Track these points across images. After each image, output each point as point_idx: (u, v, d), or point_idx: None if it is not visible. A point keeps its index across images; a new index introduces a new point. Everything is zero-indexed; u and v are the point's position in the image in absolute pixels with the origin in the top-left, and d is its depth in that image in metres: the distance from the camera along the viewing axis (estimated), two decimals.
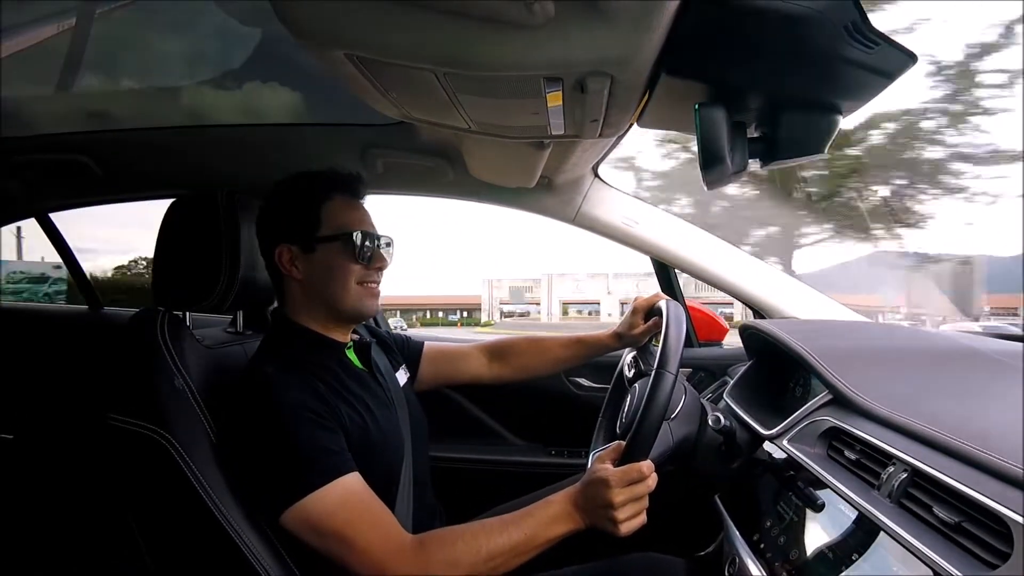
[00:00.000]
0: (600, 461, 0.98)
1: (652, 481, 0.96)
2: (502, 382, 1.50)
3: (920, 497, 0.72)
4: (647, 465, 0.96)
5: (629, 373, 1.40)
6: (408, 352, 1.40)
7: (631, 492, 0.94)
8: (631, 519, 0.94)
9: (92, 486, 1.78)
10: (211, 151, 1.57)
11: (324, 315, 1.13)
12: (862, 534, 0.76)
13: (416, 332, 2.33)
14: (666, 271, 1.81)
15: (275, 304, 1.20)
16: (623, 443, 1.00)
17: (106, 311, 2.25)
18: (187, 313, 1.18)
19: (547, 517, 0.96)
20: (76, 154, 1.52)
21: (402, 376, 1.29)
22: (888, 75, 0.75)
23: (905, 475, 0.75)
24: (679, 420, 1.13)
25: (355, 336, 1.21)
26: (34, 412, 2.02)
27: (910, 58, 0.72)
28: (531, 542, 0.94)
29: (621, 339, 1.42)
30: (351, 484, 0.95)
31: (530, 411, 1.88)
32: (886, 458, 0.80)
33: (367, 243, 1.11)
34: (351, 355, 1.17)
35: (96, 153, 1.53)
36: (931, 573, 0.63)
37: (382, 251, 1.14)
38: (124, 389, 1.07)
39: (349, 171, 1.16)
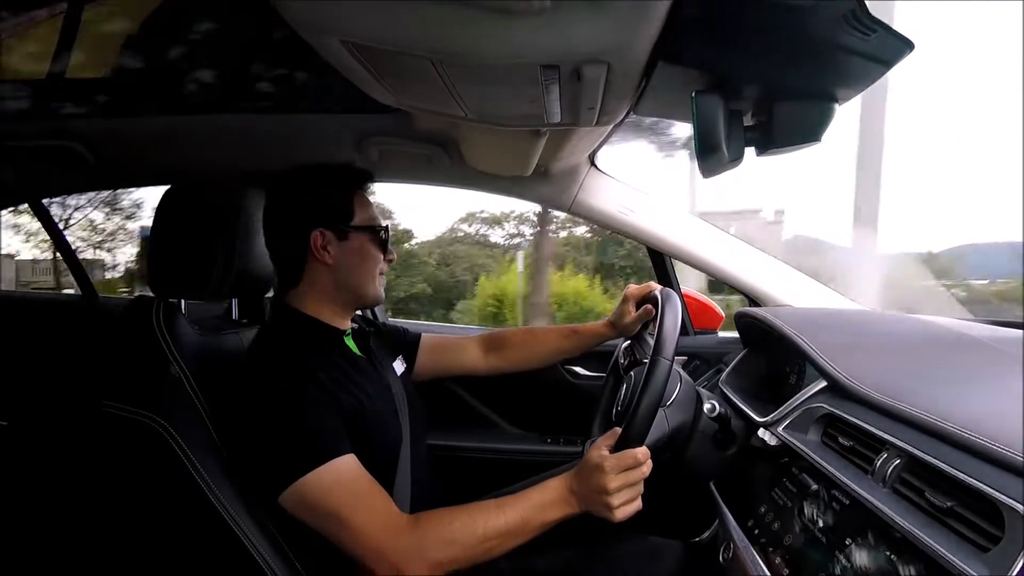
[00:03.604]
0: (596, 447, 0.99)
1: (647, 467, 0.96)
2: (498, 373, 1.52)
3: (913, 482, 0.72)
4: (643, 451, 0.96)
5: (624, 362, 1.40)
6: (405, 343, 1.41)
7: (626, 478, 0.94)
8: (626, 505, 0.94)
9: (87, 473, 1.78)
10: (204, 139, 1.55)
11: (342, 299, 1.16)
12: (856, 520, 0.77)
13: None
14: (662, 260, 1.81)
15: (271, 292, 1.20)
16: (619, 429, 1.00)
17: (101, 299, 2.24)
18: (182, 301, 1.18)
19: (543, 501, 0.97)
20: (67, 140, 1.50)
21: (399, 365, 1.29)
22: (885, 62, 0.75)
23: (899, 461, 0.76)
24: (675, 407, 1.13)
25: (353, 325, 1.22)
26: (29, 399, 2.01)
27: (906, 45, 0.72)
28: (527, 525, 0.95)
29: (615, 328, 1.43)
30: (347, 465, 0.95)
31: (526, 399, 1.88)
32: (880, 444, 0.81)
33: (387, 236, 1.18)
34: (349, 342, 1.18)
35: (88, 140, 1.51)
36: (924, 557, 0.64)
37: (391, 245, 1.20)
38: (120, 376, 1.07)
39: (364, 168, 1.23)
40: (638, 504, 0.96)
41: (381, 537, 0.92)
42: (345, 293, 1.15)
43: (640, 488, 0.96)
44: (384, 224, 1.18)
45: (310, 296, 1.14)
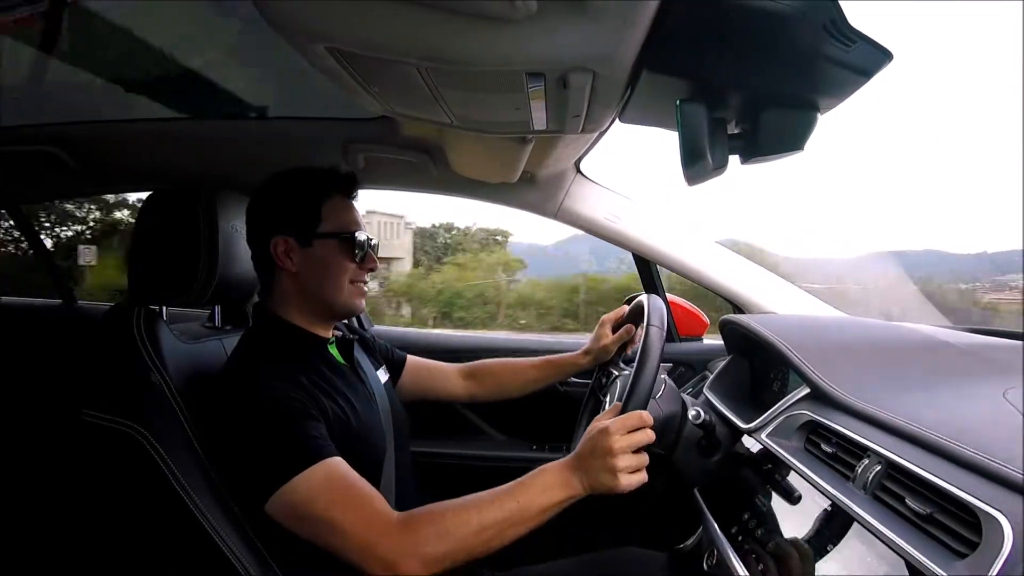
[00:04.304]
0: (596, 420, 0.98)
1: (652, 434, 0.95)
2: (476, 402, 1.54)
3: (894, 489, 0.73)
4: (645, 413, 0.96)
5: (605, 381, 1.42)
6: (392, 361, 1.41)
7: (630, 440, 0.93)
8: (632, 473, 0.93)
9: (66, 482, 1.75)
10: (190, 145, 1.54)
11: (312, 310, 1.13)
12: (837, 526, 0.78)
13: None
14: (648, 266, 1.83)
15: (255, 299, 1.19)
16: (619, 404, 1.00)
17: (80, 305, 2.22)
18: (164, 308, 1.17)
19: (541, 484, 0.94)
20: (49, 146, 1.49)
21: (383, 375, 1.28)
22: (865, 72, 0.76)
23: (879, 467, 0.76)
24: (664, 398, 1.14)
25: (337, 333, 1.21)
26: (6, 407, 1.98)
27: (886, 56, 0.73)
28: (525, 511, 0.92)
29: (589, 354, 1.46)
30: (334, 467, 0.93)
31: (512, 406, 1.87)
32: (861, 451, 0.81)
33: (364, 244, 1.13)
34: (333, 350, 1.17)
35: (70, 146, 1.50)
36: (903, 563, 0.64)
37: (372, 252, 1.15)
38: (99, 384, 1.05)
39: (346, 170, 1.17)
40: (643, 476, 0.94)
41: (372, 535, 0.89)
42: (313, 302, 1.12)
43: (645, 458, 0.95)
44: (355, 231, 1.12)
45: (286, 304, 1.12)
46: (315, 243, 1.10)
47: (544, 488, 0.94)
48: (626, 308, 1.42)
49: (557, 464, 0.97)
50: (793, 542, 0.84)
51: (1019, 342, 1.18)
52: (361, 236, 1.13)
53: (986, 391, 0.87)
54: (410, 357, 1.47)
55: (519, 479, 0.96)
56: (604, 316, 1.47)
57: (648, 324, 1.06)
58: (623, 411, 0.97)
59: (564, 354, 1.50)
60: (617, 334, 1.43)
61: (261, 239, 1.11)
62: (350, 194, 1.17)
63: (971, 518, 0.61)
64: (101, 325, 1.09)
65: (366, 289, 1.17)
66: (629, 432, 0.94)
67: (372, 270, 1.16)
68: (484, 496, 0.94)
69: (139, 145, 1.53)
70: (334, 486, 0.92)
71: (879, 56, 0.73)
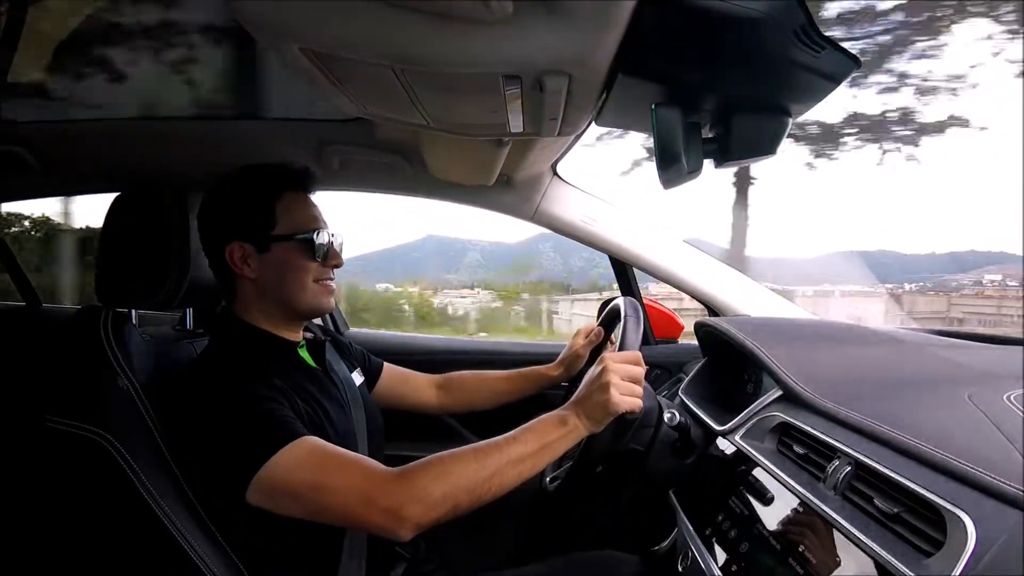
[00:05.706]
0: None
1: (643, 370, 1.00)
2: (446, 413, 1.54)
3: (863, 489, 0.74)
4: (639, 353, 1.01)
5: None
6: (368, 368, 1.39)
7: (626, 370, 0.97)
8: (627, 396, 0.96)
9: (30, 491, 1.71)
10: (159, 144, 1.51)
11: (278, 314, 1.10)
12: (808, 526, 0.79)
13: None
14: (624, 269, 1.83)
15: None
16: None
17: (45, 308, 2.16)
18: (133, 311, 1.14)
19: (538, 425, 0.97)
20: (10, 145, 1.44)
21: (358, 377, 1.26)
22: (834, 78, 0.78)
23: (849, 468, 0.78)
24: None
25: (308, 335, 1.19)
26: None
27: (854, 62, 0.74)
28: (524, 451, 0.93)
29: (562, 364, 1.46)
30: (313, 442, 0.91)
31: (489, 410, 1.87)
32: (831, 452, 0.83)
33: (324, 242, 1.09)
34: (303, 354, 1.15)
35: (33, 144, 1.45)
36: (871, 562, 0.65)
37: (336, 248, 1.13)
38: (63, 389, 1.03)
39: (299, 165, 1.13)
40: (639, 402, 0.97)
41: (370, 488, 0.87)
42: (277, 306, 1.09)
43: (640, 390, 0.98)
44: (314, 230, 1.08)
45: (250, 309, 1.09)
46: (272, 247, 1.06)
47: (542, 428, 0.96)
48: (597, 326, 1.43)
49: (554, 410, 1.00)
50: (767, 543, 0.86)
51: (979, 344, 1.21)
52: (321, 235, 1.09)
53: (950, 394, 0.88)
54: (387, 365, 1.44)
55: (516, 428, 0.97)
56: (580, 328, 1.48)
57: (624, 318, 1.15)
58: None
59: (536, 367, 1.50)
60: (588, 339, 1.43)
61: (215, 247, 1.08)
62: (307, 189, 1.13)
63: (937, 517, 0.62)
64: (67, 328, 1.06)
65: (333, 286, 1.13)
66: (623, 364, 0.98)
67: (337, 266, 1.13)
68: (480, 443, 0.95)
69: (107, 145, 1.49)
70: (319, 455, 0.90)
71: (847, 62, 0.75)
